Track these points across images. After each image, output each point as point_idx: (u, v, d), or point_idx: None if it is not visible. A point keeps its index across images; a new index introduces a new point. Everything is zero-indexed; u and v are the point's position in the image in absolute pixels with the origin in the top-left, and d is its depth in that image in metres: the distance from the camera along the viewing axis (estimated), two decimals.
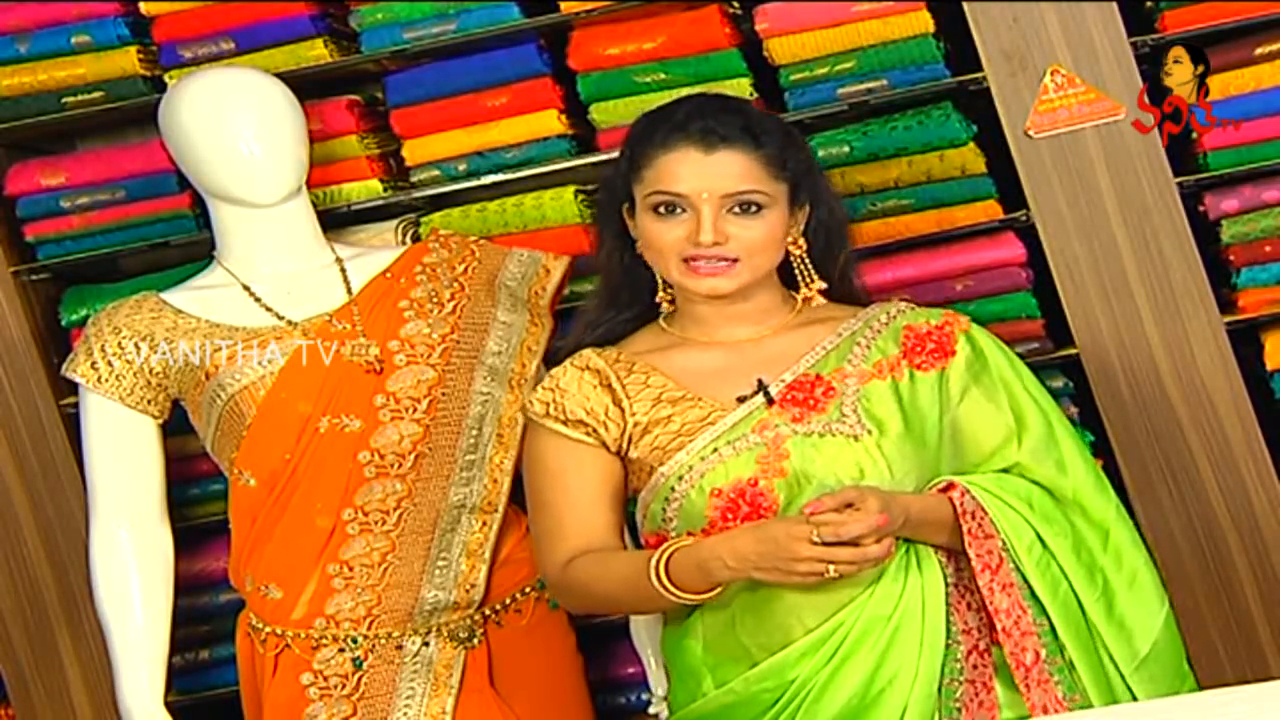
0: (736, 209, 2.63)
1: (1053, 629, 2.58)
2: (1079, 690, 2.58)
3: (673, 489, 2.60)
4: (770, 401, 2.62)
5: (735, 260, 2.63)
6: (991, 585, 2.56)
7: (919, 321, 2.71)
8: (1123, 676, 2.61)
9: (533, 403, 2.70)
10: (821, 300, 2.73)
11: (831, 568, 2.42)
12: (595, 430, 2.65)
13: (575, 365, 2.71)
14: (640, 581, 2.53)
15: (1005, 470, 2.64)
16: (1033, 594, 2.58)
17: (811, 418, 2.61)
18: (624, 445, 2.65)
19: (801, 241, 2.71)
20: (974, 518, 2.57)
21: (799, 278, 2.73)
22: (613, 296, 2.79)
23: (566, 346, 2.79)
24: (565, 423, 2.66)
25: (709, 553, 2.48)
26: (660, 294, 2.74)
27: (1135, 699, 2.60)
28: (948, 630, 2.56)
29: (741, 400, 2.63)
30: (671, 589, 2.50)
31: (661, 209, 2.65)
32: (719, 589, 2.51)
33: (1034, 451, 2.65)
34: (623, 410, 2.65)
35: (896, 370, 2.66)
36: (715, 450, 2.60)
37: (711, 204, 2.61)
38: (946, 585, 2.58)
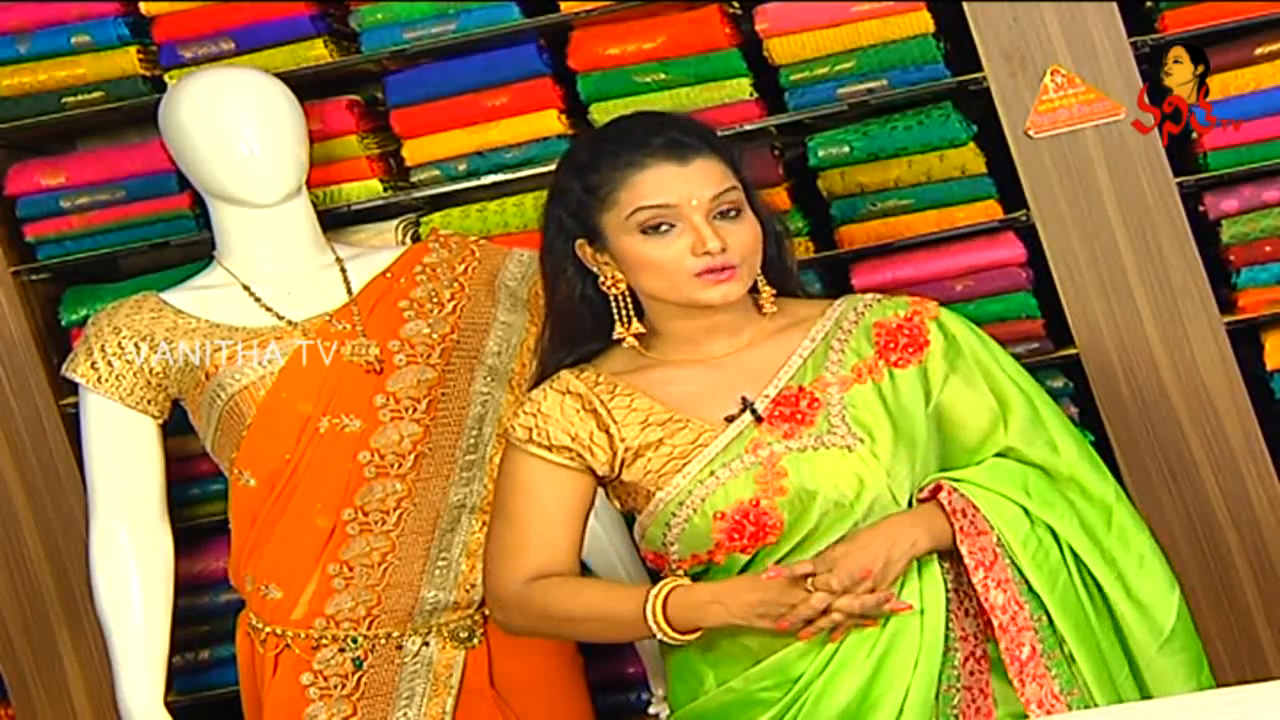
0: (718, 216, 2.59)
1: (1050, 623, 2.58)
2: (1078, 684, 2.56)
3: (673, 514, 2.58)
4: (758, 419, 2.61)
5: (735, 266, 2.59)
6: (986, 582, 2.55)
7: (888, 315, 2.66)
8: (1132, 665, 2.58)
9: (514, 428, 2.65)
10: (773, 304, 2.67)
11: (835, 615, 2.45)
12: (579, 455, 2.61)
13: (555, 389, 2.65)
14: (617, 612, 2.55)
15: (1000, 455, 2.62)
16: (1029, 588, 2.57)
17: (802, 432, 2.58)
18: (614, 469, 2.62)
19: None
20: (965, 515, 2.55)
21: (758, 284, 2.66)
22: (573, 335, 2.69)
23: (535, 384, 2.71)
24: (550, 448, 2.62)
25: (709, 597, 2.50)
26: (621, 329, 2.65)
27: (1138, 690, 2.59)
28: (946, 637, 2.55)
29: (730, 420, 2.60)
30: (664, 627, 2.51)
31: (649, 229, 2.59)
32: (700, 632, 2.53)
33: (1023, 433, 2.62)
34: (610, 436, 2.61)
35: (875, 372, 2.62)
36: (712, 473, 2.57)
37: (700, 211, 2.56)
38: (946, 591, 2.57)
